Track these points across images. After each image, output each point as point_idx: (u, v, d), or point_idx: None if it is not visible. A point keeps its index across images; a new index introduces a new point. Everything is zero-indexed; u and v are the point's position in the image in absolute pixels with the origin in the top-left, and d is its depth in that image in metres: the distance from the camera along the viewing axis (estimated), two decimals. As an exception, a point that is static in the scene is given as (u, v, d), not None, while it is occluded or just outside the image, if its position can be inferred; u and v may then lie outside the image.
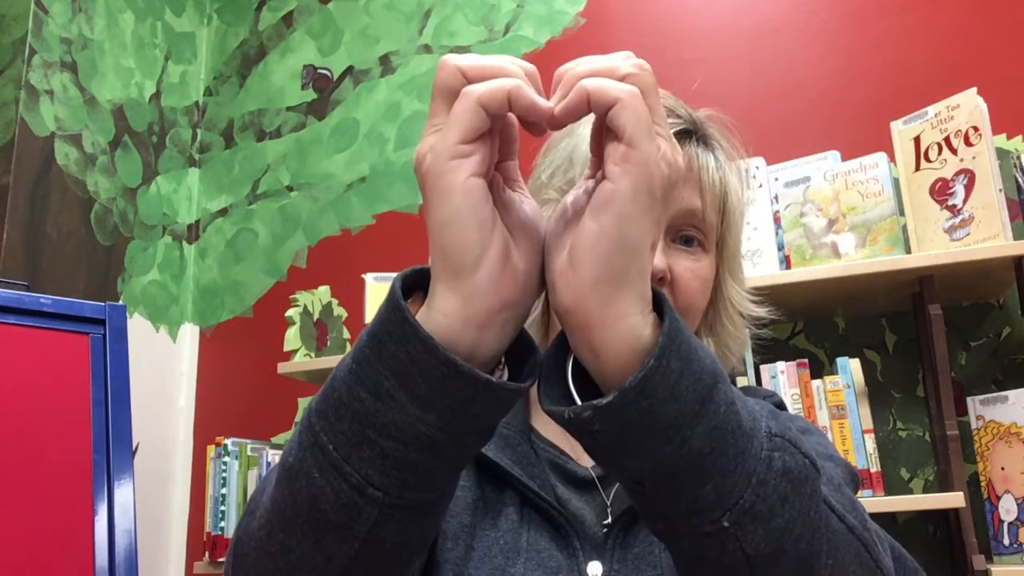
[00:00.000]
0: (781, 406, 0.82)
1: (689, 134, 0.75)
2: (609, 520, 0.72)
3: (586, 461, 0.77)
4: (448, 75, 0.46)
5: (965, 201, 1.48)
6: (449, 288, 0.46)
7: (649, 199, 0.44)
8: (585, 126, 0.73)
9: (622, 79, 0.44)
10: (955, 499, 1.37)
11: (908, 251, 1.54)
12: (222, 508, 1.84)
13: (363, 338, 0.48)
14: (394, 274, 1.97)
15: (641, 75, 0.45)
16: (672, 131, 0.72)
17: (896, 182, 1.58)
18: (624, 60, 0.45)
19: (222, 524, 1.83)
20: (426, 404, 0.45)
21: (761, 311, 0.82)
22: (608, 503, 0.74)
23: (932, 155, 1.54)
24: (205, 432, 2.25)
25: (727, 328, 0.80)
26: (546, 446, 0.78)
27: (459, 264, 0.45)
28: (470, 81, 0.45)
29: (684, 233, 0.74)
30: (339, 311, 2.09)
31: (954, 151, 1.51)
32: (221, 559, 1.82)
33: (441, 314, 0.46)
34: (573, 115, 0.45)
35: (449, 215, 0.44)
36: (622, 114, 0.43)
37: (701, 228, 0.74)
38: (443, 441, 0.47)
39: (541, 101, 0.45)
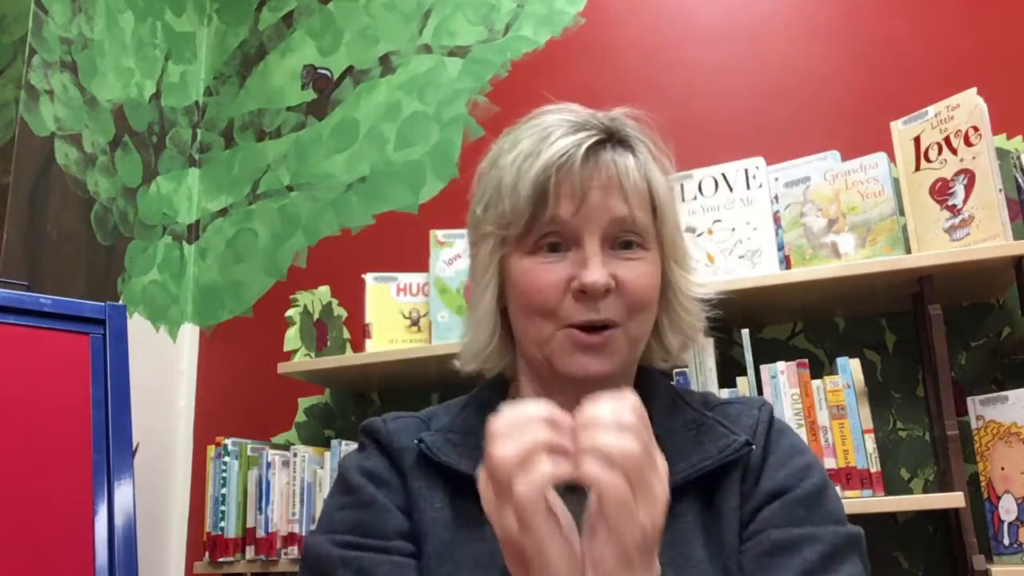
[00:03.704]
0: (772, 414, 0.83)
1: (604, 142, 0.78)
2: None
3: None
4: (503, 474, 0.54)
5: (965, 201, 1.48)
6: None
7: (627, 564, 0.54)
8: (504, 157, 0.80)
9: (611, 461, 0.53)
10: (955, 499, 1.37)
11: (908, 251, 1.54)
12: (222, 508, 1.84)
13: None
14: (394, 274, 1.97)
15: (627, 461, 0.53)
16: (589, 142, 0.76)
17: (896, 182, 1.58)
18: (617, 443, 0.54)
19: (222, 524, 1.83)
20: None
21: (708, 290, 0.86)
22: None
23: (932, 155, 1.54)
24: (205, 432, 2.25)
25: (680, 315, 0.83)
26: None
27: None
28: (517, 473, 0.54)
29: (621, 239, 0.77)
30: (339, 311, 2.09)
31: (954, 151, 1.51)
32: (221, 559, 1.81)
33: None
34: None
35: (546, 560, 0.54)
36: (607, 502, 0.53)
37: (634, 230, 0.77)
38: None
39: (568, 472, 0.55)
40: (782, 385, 1.53)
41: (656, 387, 0.85)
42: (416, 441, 0.79)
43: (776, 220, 1.64)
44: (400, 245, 2.17)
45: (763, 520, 0.73)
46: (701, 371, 1.56)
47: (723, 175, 1.68)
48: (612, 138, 0.79)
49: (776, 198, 1.66)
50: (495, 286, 0.81)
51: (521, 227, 0.77)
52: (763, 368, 1.55)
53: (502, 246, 0.80)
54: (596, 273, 0.74)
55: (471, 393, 0.88)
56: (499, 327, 0.83)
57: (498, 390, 0.87)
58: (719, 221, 1.66)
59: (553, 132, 0.78)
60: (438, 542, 0.73)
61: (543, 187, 0.75)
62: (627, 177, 0.77)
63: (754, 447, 0.78)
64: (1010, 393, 1.42)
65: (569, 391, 0.79)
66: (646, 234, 0.78)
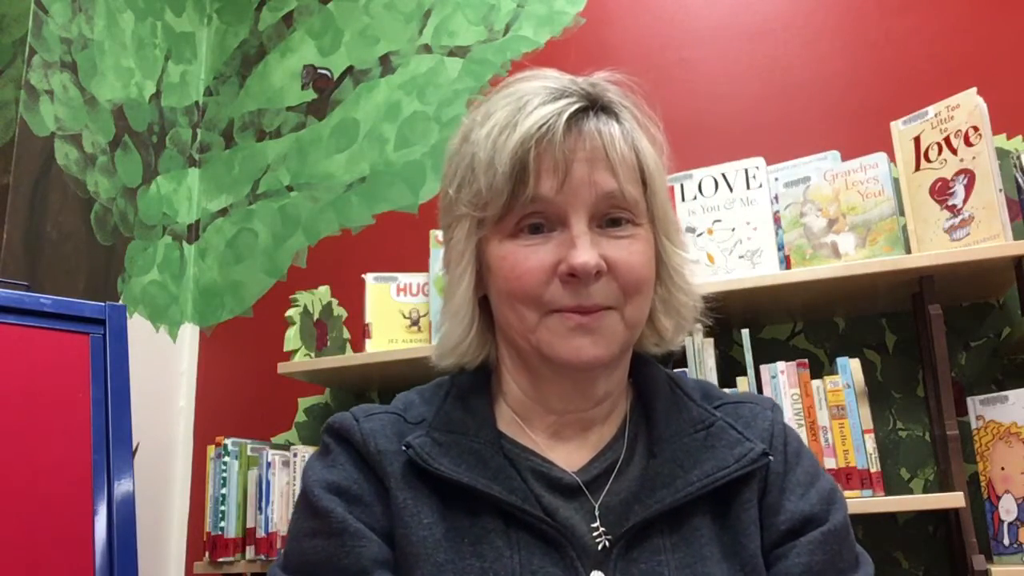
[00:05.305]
0: (780, 415, 0.79)
1: (587, 109, 0.72)
2: (597, 524, 0.70)
3: (568, 466, 0.74)
4: None
5: (965, 201, 1.48)
6: None
7: None
8: (477, 131, 0.73)
9: None
10: (955, 499, 1.37)
11: (908, 251, 1.54)
12: (222, 508, 1.84)
13: None
14: (394, 274, 1.97)
15: None
16: (571, 110, 0.70)
17: (896, 182, 1.58)
18: None
19: (222, 524, 1.83)
20: None
21: (698, 272, 0.80)
22: (596, 506, 0.71)
23: (932, 155, 1.54)
24: (205, 432, 2.25)
25: (675, 294, 0.77)
26: (524, 453, 0.74)
27: None
28: None
29: (609, 216, 0.71)
30: (339, 311, 2.09)
31: (954, 151, 1.51)
32: (221, 559, 1.81)
33: None
34: None
35: None
36: None
37: (624, 205, 0.71)
38: None
39: None
40: (782, 385, 1.53)
41: (655, 379, 0.79)
42: (403, 447, 0.71)
43: (776, 220, 1.64)
44: (400, 245, 2.17)
45: (805, 553, 0.69)
46: (701, 371, 1.56)
47: (723, 175, 1.68)
48: (595, 105, 0.72)
49: (776, 198, 1.66)
50: (472, 273, 0.74)
51: (499, 208, 0.70)
52: (763, 368, 1.55)
53: (479, 229, 0.73)
54: (585, 254, 0.68)
55: (450, 377, 0.81)
56: (477, 318, 0.76)
57: (481, 376, 0.80)
58: (719, 221, 1.66)
59: (530, 101, 0.71)
60: (431, 565, 0.66)
61: (522, 162, 0.69)
62: (613, 147, 0.70)
63: (772, 458, 0.73)
64: (1010, 393, 1.42)
65: (561, 380, 0.74)
66: (636, 209, 0.72)
